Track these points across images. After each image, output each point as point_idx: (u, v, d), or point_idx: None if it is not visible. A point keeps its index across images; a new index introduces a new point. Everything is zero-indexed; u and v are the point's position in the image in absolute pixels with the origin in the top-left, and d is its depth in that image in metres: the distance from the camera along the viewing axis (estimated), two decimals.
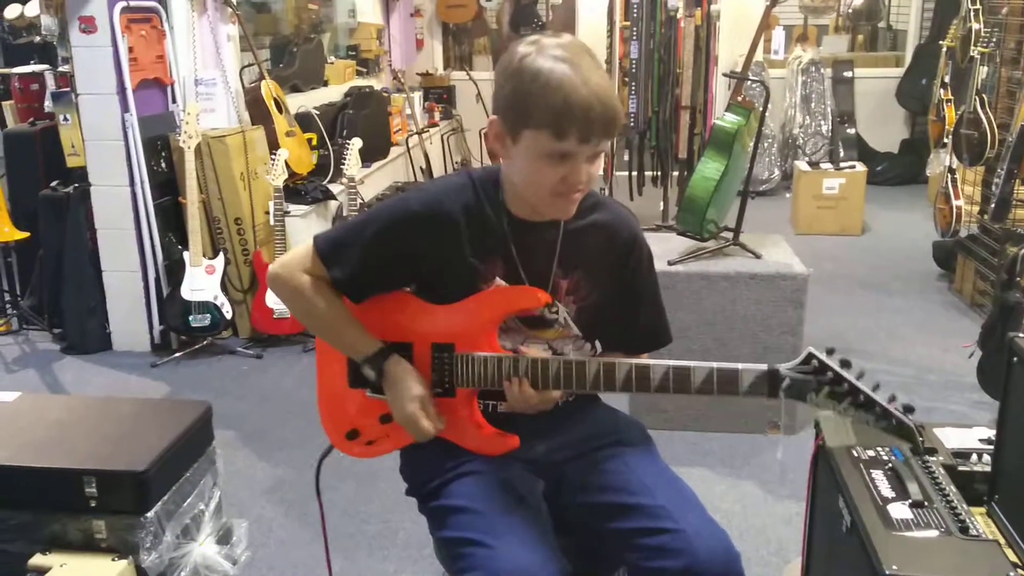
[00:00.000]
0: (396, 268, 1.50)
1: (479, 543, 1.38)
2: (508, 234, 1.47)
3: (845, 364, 1.36)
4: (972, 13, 4.23)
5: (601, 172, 1.49)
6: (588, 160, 1.35)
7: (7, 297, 4.34)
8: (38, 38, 4.70)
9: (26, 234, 4.05)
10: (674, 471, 1.56)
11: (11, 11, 4.80)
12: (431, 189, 1.50)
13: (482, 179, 1.49)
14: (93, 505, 1.86)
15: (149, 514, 1.87)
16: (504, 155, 1.41)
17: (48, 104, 4.28)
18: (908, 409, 1.39)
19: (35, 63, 4.80)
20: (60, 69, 4.51)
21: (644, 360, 1.43)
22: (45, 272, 4.13)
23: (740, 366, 1.38)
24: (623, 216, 1.55)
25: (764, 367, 1.38)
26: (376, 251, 1.47)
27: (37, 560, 1.84)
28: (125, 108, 3.75)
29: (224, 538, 2.23)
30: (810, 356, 1.37)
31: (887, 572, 1.35)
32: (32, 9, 4.63)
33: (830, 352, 1.37)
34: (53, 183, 4.00)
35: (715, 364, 1.39)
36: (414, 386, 1.47)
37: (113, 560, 1.84)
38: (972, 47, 4.21)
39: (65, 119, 3.93)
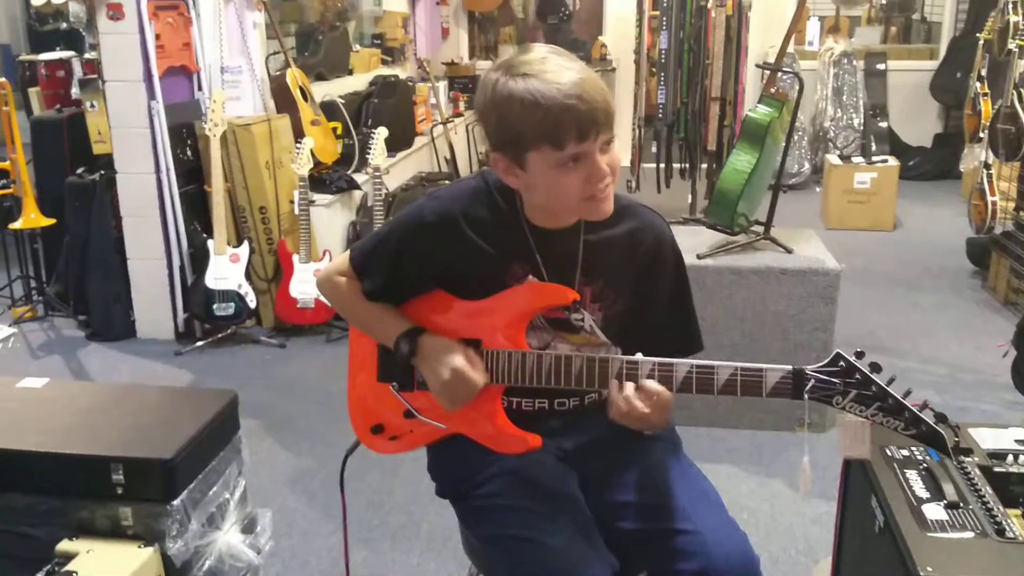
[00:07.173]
0: (420, 277, 1.51)
1: (528, 540, 1.36)
2: (529, 240, 1.45)
3: (875, 368, 1.31)
4: (1011, 5, 4.15)
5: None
6: (601, 151, 1.32)
7: (33, 283, 4.37)
8: (64, 25, 4.73)
9: (52, 220, 4.07)
10: (700, 470, 1.53)
11: None
12: (444, 197, 1.48)
13: (498, 183, 1.45)
14: (120, 492, 1.86)
15: (175, 502, 1.87)
16: (521, 184, 1.39)
17: (75, 91, 4.31)
18: (940, 418, 1.34)
19: (61, 49, 4.84)
20: (87, 56, 4.54)
21: (667, 359, 1.38)
22: (70, 259, 4.15)
23: (764, 366, 1.34)
24: (648, 221, 1.50)
25: (789, 368, 1.33)
26: (398, 264, 1.50)
27: (64, 546, 1.84)
28: (151, 95, 3.76)
29: (248, 527, 2.23)
30: (837, 357, 1.32)
31: (921, 573, 1.33)
32: None
33: (860, 355, 1.32)
34: (79, 170, 4.02)
35: (739, 364, 1.34)
36: (455, 348, 1.44)
37: (139, 547, 1.84)
38: (1010, 40, 4.13)
39: (92, 106, 3.94)
